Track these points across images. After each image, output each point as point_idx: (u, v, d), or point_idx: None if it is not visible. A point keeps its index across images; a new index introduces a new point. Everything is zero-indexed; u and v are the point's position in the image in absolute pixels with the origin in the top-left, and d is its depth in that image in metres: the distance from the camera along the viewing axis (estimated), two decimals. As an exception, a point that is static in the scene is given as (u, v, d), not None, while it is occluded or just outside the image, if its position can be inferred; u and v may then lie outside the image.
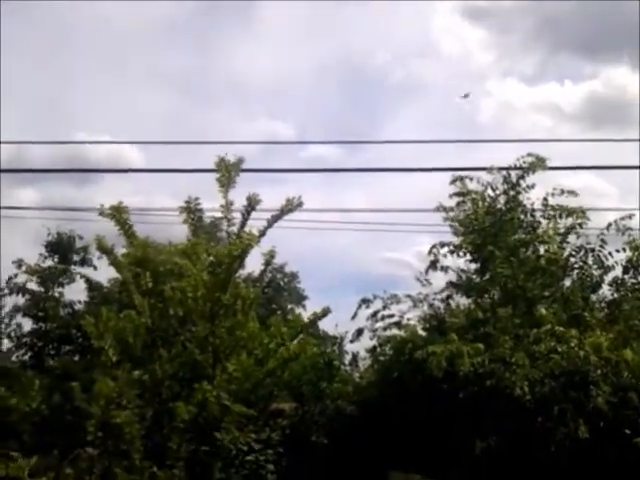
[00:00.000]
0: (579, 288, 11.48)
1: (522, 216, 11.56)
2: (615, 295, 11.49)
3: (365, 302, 12.84)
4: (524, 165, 11.21)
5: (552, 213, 11.31)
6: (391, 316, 12.82)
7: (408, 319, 12.76)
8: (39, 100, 27.46)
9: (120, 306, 10.84)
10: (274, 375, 10.73)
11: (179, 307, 10.20)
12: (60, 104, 29.17)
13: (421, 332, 12.62)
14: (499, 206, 11.62)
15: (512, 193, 11.50)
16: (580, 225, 11.20)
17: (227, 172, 10.20)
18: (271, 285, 19.19)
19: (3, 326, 15.00)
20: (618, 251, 11.10)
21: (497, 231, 11.31)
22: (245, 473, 9.42)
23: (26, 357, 14.76)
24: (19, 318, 14.96)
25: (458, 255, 11.67)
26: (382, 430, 11.07)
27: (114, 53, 29.01)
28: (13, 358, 14.87)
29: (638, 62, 27.77)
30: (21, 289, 14.74)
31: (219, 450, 9.11)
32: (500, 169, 11.46)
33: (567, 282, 11.68)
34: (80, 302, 15.08)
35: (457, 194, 11.81)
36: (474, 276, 12.24)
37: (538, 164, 11.08)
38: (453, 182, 11.76)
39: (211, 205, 11.12)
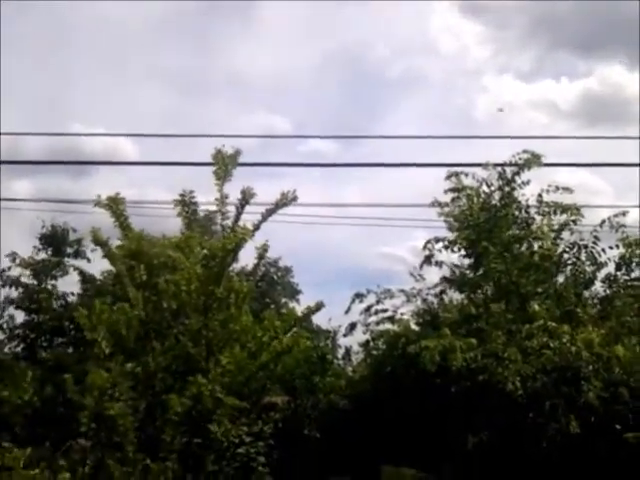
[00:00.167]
0: (572, 284, 11.53)
1: (517, 212, 11.59)
2: (607, 291, 11.56)
3: (359, 297, 12.89)
4: (519, 162, 11.23)
5: (546, 210, 11.34)
6: (384, 311, 12.89)
7: (401, 314, 12.86)
8: (37, 96, 27.29)
9: (114, 298, 10.80)
10: (267, 368, 10.72)
11: (173, 300, 10.17)
12: (58, 101, 29.00)
13: (414, 327, 12.68)
14: (494, 202, 11.64)
15: (507, 189, 11.51)
16: (574, 222, 11.24)
17: (224, 164, 10.16)
18: (265, 279, 19.17)
19: (-5, 318, 14.94)
20: (611, 248, 11.15)
21: (491, 227, 11.34)
22: (237, 465, 9.42)
23: (18, 349, 14.73)
24: (11, 310, 14.91)
25: (452, 250, 11.70)
26: (375, 424, 11.13)
27: (113, 50, 28.79)
28: (5, 350, 14.84)
29: (637, 60, 27.76)
30: (14, 282, 14.68)
31: (212, 443, 9.11)
32: (495, 165, 11.48)
33: (560, 278, 11.73)
34: (73, 294, 15.04)
35: (452, 190, 11.82)
36: (468, 271, 12.29)
37: (533, 161, 11.10)
38: (448, 178, 11.77)
39: (205, 199, 11.13)
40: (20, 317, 14.90)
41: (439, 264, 12.41)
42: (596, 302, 11.84)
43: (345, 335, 13.63)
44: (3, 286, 14.79)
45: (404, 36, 32.38)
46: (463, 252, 11.82)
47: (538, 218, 11.53)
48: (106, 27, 27.72)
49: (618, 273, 11.27)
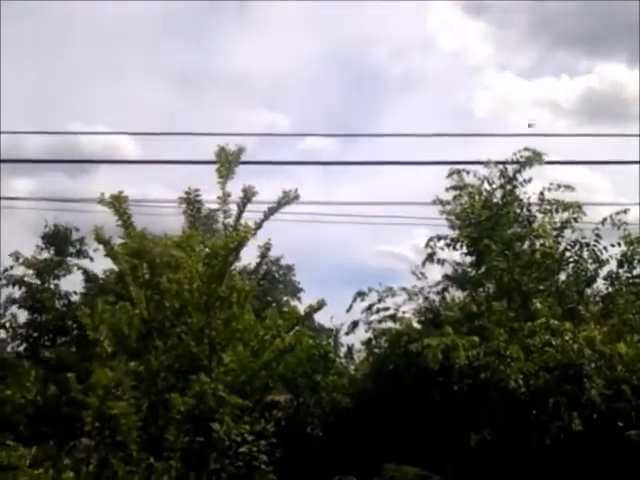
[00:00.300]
0: (574, 282, 11.55)
1: (518, 210, 11.61)
2: (609, 289, 11.58)
3: (360, 295, 12.91)
4: (521, 159, 11.23)
5: (548, 207, 11.35)
6: (386, 309, 12.90)
7: (403, 312, 12.88)
8: (36, 95, 27.28)
9: (116, 297, 10.81)
10: (270, 367, 10.72)
11: (175, 299, 10.16)
12: (57, 99, 29.04)
13: (416, 325, 12.69)
14: (495, 200, 11.64)
15: (509, 187, 11.52)
16: (576, 219, 11.25)
17: (227, 162, 10.15)
18: (266, 277, 19.18)
19: (-1, 317, 14.97)
20: (613, 245, 11.17)
21: (493, 225, 11.34)
22: (239, 464, 9.43)
23: (21, 348, 14.76)
24: (14, 309, 14.93)
25: (454, 248, 11.71)
26: (377, 422, 11.14)
27: (112, 48, 28.87)
28: (8, 349, 14.86)
29: (637, 58, 27.74)
30: (18, 281, 14.71)
31: (214, 441, 9.12)
32: (497, 163, 11.49)
33: (562, 276, 11.75)
34: (76, 293, 15.06)
35: (454, 187, 11.83)
36: (470, 269, 12.30)
37: (535, 158, 11.11)
38: (450, 175, 11.78)
39: (205, 197, 11.10)
40: (23, 316, 14.94)
41: (441, 262, 12.44)
42: (598, 300, 11.86)
43: (347, 333, 13.66)
44: (7, 285, 14.82)
45: (405, 34, 32.46)
46: (465, 250, 11.83)
47: (540, 216, 11.55)
48: (105, 26, 27.76)
49: (620, 271, 11.29)
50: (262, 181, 11.02)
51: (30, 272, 14.91)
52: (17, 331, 14.73)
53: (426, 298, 12.97)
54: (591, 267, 11.42)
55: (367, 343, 13.25)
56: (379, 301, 12.86)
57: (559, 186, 11.40)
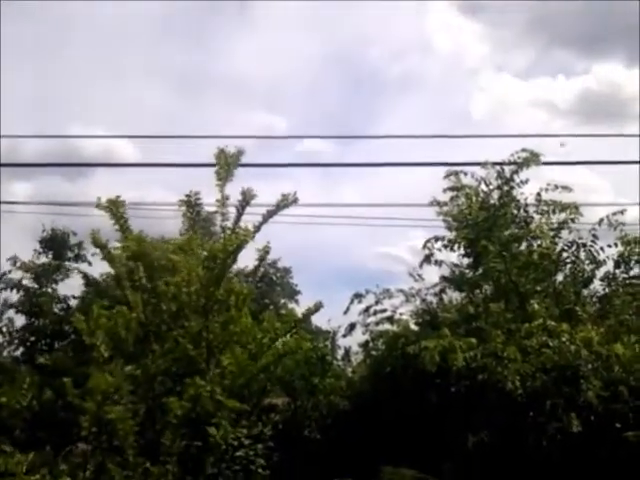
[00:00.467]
0: (571, 283, 11.56)
1: (515, 211, 11.61)
2: (606, 290, 11.59)
3: (358, 297, 12.88)
4: (518, 160, 11.24)
5: (545, 208, 11.36)
6: (383, 311, 12.87)
7: (400, 314, 12.84)
8: (34, 98, 27.25)
9: (114, 301, 10.78)
10: (268, 370, 10.72)
11: (172, 302, 10.16)
12: (56, 102, 29.01)
13: (413, 327, 12.66)
14: (493, 201, 11.66)
15: (506, 188, 11.53)
16: (573, 220, 11.26)
17: (226, 165, 10.14)
18: (264, 280, 19.17)
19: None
20: (610, 246, 11.18)
21: (490, 226, 11.35)
22: (236, 468, 9.42)
23: (18, 353, 14.73)
24: (10, 313, 14.90)
25: (452, 250, 11.70)
26: (374, 425, 11.11)
27: (111, 50, 28.81)
28: (4, 353, 14.82)
29: (635, 58, 27.75)
30: (15, 285, 14.68)
31: (211, 445, 9.10)
32: (494, 164, 11.49)
33: (559, 277, 11.76)
34: (75, 297, 15.04)
35: (451, 189, 11.84)
36: (467, 271, 12.30)
37: (532, 159, 11.13)
38: (447, 177, 11.79)
39: (203, 200, 11.08)
40: (19, 321, 14.91)
41: (438, 263, 12.43)
42: (595, 300, 11.86)
43: (344, 336, 13.62)
44: (4, 289, 14.79)
45: (401, 35, 32.43)
46: (462, 251, 11.84)
47: (537, 217, 11.56)
48: (105, 26, 27.70)
49: (617, 271, 11.31)
50: (260, 183, 11.02)
51: (28, 276, 14.88)
52: (14, 335, 14.71)
53: (423, 300, 12.94)
54: (588, 268, 11.43)
55: (364, 345, 13.22)
56: (376, 303, 12.83)
57: (556, 187, 11.42)
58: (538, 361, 10.06)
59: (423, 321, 12.66)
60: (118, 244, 10.35)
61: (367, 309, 12.87)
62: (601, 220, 11.19)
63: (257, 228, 10.31)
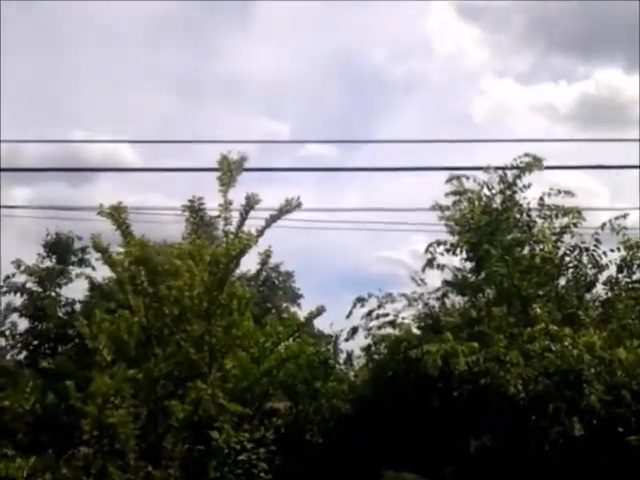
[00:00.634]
0: (573, 287, 11.56)
1: (518, 215, 11.62)
2: (609, 294, 11.58)
3: (360, 301, 12.87)
4: (521, 165, 11.24)
5: (548, 213, 11.36)
6: (386, 315, 12.85)
7: (403, 318, 12.81)
8: (36, 101, 27.41)
9: (118, 305, 10.81)
10: (270, 374, 10.72)
11: (174, 306, 10.18)
12: (57, 105, 29.12)
13: (416, 331, 12.65)
14: (495, 205, 11.66)
15: (508, 192, 11.53)
16: (575, 225, 11.26)
17: (229, 171, 10.18)
18: (266, 284, 19.17)
19: (-1, 325, 14.96)
20: (612, 250, 11.19)
21: (493, 230, 11.35)
22: (238, 472, 9.42)
23: (21, 356, 14.75)
24: (13, 317, 14.92)
25: (454, 254, 11.70)
26: (376, 429, 11.10)
27: (112, 53, 28.96)
28: (7, 357, 14.85)
29: (634, 63, 27.79)
30: (19, 289, 14.71)
31: (213, 449, 9.10)
32: (497, 169, 11.49)
33: (562, 281, 11.76)
34: (80, 301, 15.05)
35: (453, 193, 11.84)
36: (469, 275, 12.29)
37: (534, 164, 11.12)
38: (449, 181, 11.79)
39: (206, 204, 11.10)
40: (22, 325, 14.93)
41: (441, 267, 12.42)
42: (598, 305, 11.85)
43: (347, 340, 13.60)
44: (8, 292, 14.82)
45: (402, 39, 32.52)
46: (465, 255, 11.83)
47: (539, 221, 11.56)
48: (104, 29, 27.84)
49: (619, 275, 11.31)
50: (262, 188, 11.06)
51: (32, 280, 14.90)
52: (17, 339, 14.73)
53: (426, 304, 12.92)
54: (590, 272, 11.43)
55: (367, 349, 13.20)
56: (379, 307, 12.82)
57: (559, 191, 11.41)
58: (540, 365, 10.06)
59: (425, 325, 12.64)
60: (121, 249, 10.37)
61: (369, 313, 12.85)
62: (604, 224, 11.19)
63: (260, 233, 10.33)
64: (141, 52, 31.14)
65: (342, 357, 14.57)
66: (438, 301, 12.95)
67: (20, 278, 14.79)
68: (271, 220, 10.41)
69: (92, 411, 8.84)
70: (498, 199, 11.69)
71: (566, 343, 9.99)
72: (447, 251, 11.81)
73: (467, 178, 11.78)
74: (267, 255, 10.97)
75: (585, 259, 11.31)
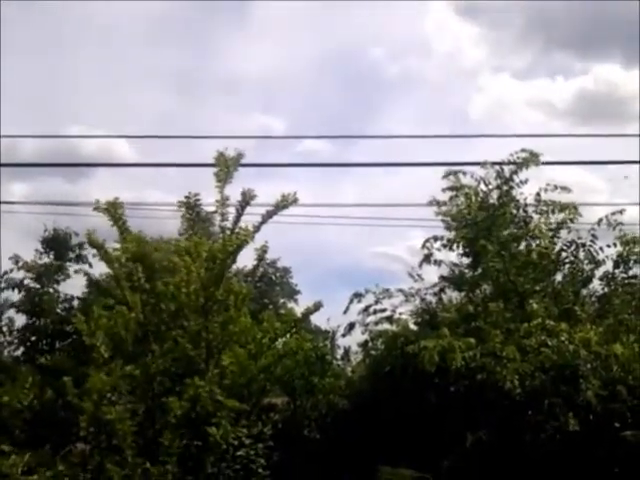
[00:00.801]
0: (570, 282, 11.58)
1: (514, 211, 11.63)
2: (605, 289, 11.60)
3: (357, 296, 12.88)
4: (517, 160, 11.25)
5: (544, 208, 11.38)
6: (383, 310, 12.86)
7: (400, 313, 12.83)
8: (33, 98, 27.29)
9: (115, 301, 10.81)
10: (268, 370, 10.75)
11: (171, 302, 10.20)
12: (55, 102, 29.07)
13: (413, 326, 12.67)
14: (492, 201, 11.67)
15: (505, 188, 11.54)
16: (572, 220, 11.28)
17: (226, 167, 10.18)
18: (263, 280, 19.18)
19: (-5, 320, 14.97)
20: (609, 246, 11.20)
21: (490, 226, 11.37)
22: (236, 467, 9.45)
23: (18, 352, 14.76)
24: (11, 313, 14.92)
25: (451, 249, 11.73)
26: (374, 424, 11.12)
27: (110, 51, 28.85)
28: (5, 353, 14.85)
29: (632, 58, 27.78)
30: (17, 285, 14.70)
31: (211, 445, 9.13)
32: (493, 164, 11.51)
33: (558, 277, 11.78)
34: (79, 298, 15.05)
35: (450, 188, 11.85)
36: (466, 270, 12.31)
37: (531, 159, 11.13)
38: (446, 176, 11.80)
39: (202, 200, 11.11)
40: (20, 320, 14.93)
41: (438, 263, 12.44)
42: (594, 300, 11.88)
43: (344, 335, 13.62)
44: (6, 288, 14.81)
45: (400, 36, 32.45)
46: (461, 251, 11.85)
47: (536, 217, 11.57)
48: (103, 28, 27.76)
49: (616, 271, 11.32)
50: (259, 183, 11.07)
51: (30, 276, 14.90)
52: (14, 335, 14.74)
53: (423, 299, 12.94)
54: (587, 267, 11.45)
55: (364, 345, 13.21)
56: (376, 303, 12.83)
57: (555, 187, 11.43)
58: (537, 360, 10.08)
59: (422, 321, 12.67)
60: (117, 244, 10.38)
61: (366, 309, 12.87)
62: (600, 220, 11.21)
63: (257, 228, 10.35)
64: (140, 52, 31.04)
65: (339, 353, 14.60)
66: (435, 297, 12.96)
67: (18, 274, 14.81)
68: (267, 216, 10.42)
69: (88, 407, 8.86)
70: (495, 195, 11.70)
71: (562, 338, 10.02)
72: (444, 247, 11.84)
73: (464, 174, 11.80)
74: (264, 251, 10.99)
75: (582, 255, 11.33)
